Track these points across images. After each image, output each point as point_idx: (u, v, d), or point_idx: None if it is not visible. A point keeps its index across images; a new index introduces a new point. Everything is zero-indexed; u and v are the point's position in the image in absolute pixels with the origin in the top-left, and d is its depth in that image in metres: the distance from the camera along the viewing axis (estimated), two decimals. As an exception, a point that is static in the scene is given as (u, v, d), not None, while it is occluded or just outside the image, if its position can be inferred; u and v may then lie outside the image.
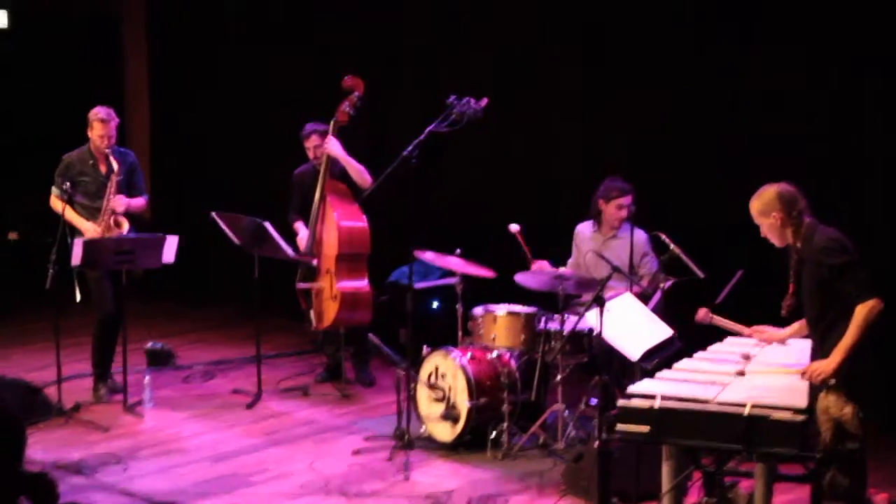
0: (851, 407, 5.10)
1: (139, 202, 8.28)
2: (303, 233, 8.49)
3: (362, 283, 8.28)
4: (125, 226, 8.06)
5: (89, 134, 8.10)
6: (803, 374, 5.27)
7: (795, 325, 5.63)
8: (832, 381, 5.17)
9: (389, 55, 9.99)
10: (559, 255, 7.82)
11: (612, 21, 8.68)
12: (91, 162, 8.13)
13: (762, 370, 5.46)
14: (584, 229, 7.77)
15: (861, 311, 5.12)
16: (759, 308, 7.54)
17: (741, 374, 5.37)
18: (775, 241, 5.37)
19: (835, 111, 7.67)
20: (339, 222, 8.18)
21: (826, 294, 5.22)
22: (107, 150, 8.04)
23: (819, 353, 5.34)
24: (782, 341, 5.69)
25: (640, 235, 7.45)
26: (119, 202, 8.04)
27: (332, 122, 8.29)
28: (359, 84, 8.26)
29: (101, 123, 8.04)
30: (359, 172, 8.28)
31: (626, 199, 7.52)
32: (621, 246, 7.50)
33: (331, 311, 8.23)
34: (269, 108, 10.79)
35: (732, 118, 8.15)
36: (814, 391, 5.20)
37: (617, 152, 8.70)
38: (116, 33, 12.57)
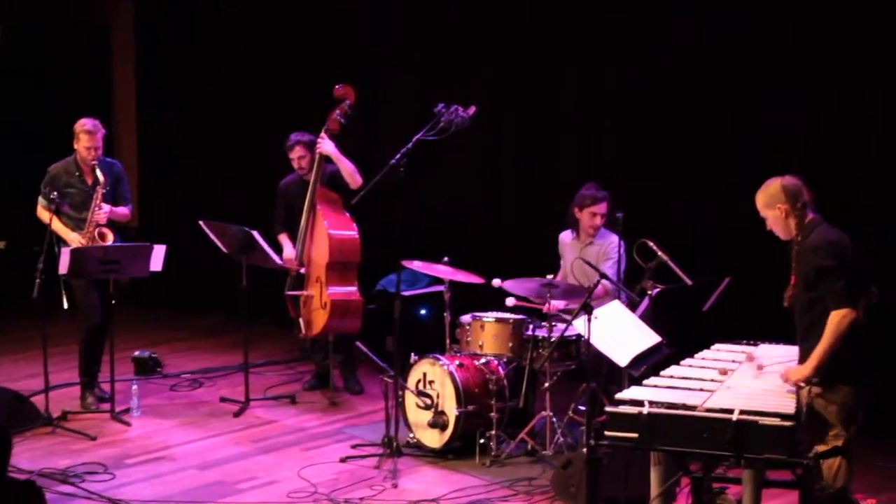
0: (835, 407, 5.12)
1: (123, 211, 8.25)
2: (288, 249, 8.47)
3: (352, 291, 8.28)
4: (109, 238, 8.04)
5: (76, 146, 8.07)
6: (782, 376, 5.30)
7: None
8: (806, 384, 5.20)
9: (378, 63, 9.98)
10: (549, 262, 7.82)
11: (604, 31, 8.68)
12: (77, 173, 8.10)
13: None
14: (566, 237, 7.79)
15: (833, 319, 5.16)
16: (746, 314, 7.60)
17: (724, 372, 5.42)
18: (780, 233, 5.41)
19: (832, 116, 7.66)
20: (329, 231, 8.18)
21: (810, 292, 5.25)
22: (94, 163, 8.02)
23: (798, 345, 5.37)
24: None
25: (612, 239, 7.46)
26: (102, 213, 8.02)
27: (323, 130, 8.29)
28: (350, 93, 8.27)
29: (87, 135, 8.01)
30: (350, 173, 8.27)
31: (600, 207, 7.54)
32: (596, 252, 7.53)
33: (320, 319, 8.22)
34: (258, 116, 10.77)
35: (721, 124, 8.16)
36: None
37: (607, 159, 8.70)
38: (105, 41, 12.55)
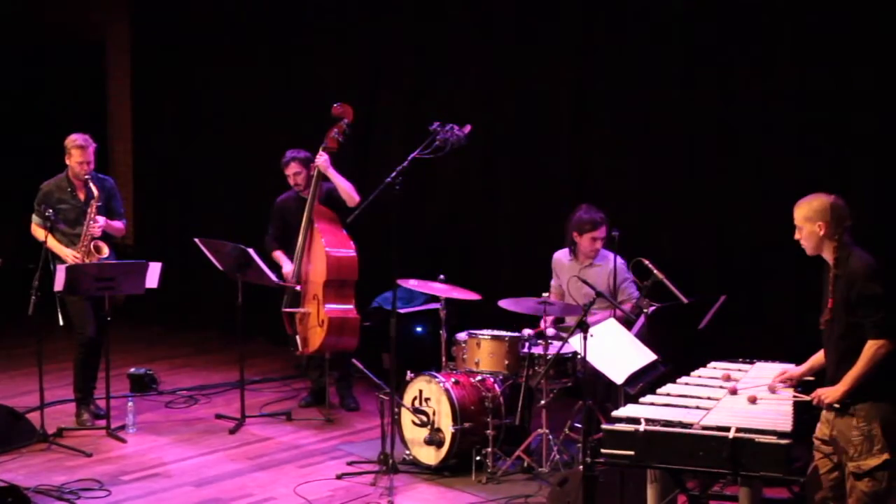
0: (877, 423, 5.14)
1: (118, 225, 8.28)
2: (287, 266, 8.48)
3: (349, 309, 8.28)
4: (105, 251, 8.06)
5: (67, 161, 8.10)
6: (812, 398, 5.30)
7: (812, 360, 5.60)
8: (836, 406, 5.20)
9: (373, 80, 10.01)
10: (545, 279, 7.84)
11: (600, 46, 8.70)
12: (69, 189, 8.13)
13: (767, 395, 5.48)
14: (562, 257, 7.79)
15: (870, 348, 5.14)
16: (742, 332, 7.60)
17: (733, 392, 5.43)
18: (809, 248, 5.32)
19: (824, 135, 7.68)
20: (327, 249, 8.18)
21: (850, 317, 5.21)
22: (86, 177, 8.04)
23: (834, 369, 5.31)
24: (803, 376, 5.65)
25: (611, 259, 7.48)
26: (97, 226, 8.04)
27: (321, 148, 8.29)
28: (348, 111, 8.29)
29: (79, 150, 8.04)
30: (347, 190, 8.30)
31: (600, 232, 7.55)
32: (598, 273, 7.53)
33: (317, 336, 8.23)
34: (253, 132, 10.79)
35: (716, 143, 8.18)
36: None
37: (603, 177, 8.72)
38: (100, 58, 12.57)
